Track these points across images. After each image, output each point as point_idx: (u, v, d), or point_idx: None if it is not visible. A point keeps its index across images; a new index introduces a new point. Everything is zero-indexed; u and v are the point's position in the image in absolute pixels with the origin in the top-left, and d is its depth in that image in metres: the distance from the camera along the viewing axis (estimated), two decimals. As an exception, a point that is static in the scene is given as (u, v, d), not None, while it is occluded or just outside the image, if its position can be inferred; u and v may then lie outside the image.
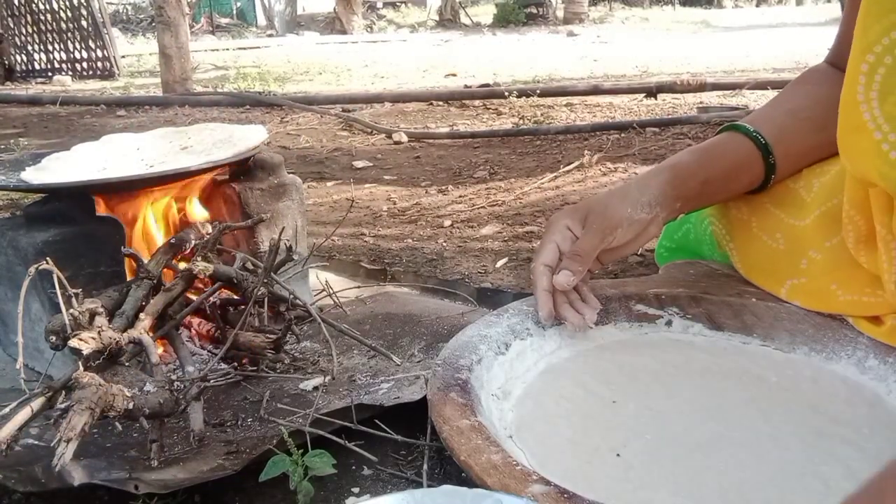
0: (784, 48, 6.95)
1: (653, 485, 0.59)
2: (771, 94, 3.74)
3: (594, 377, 0.75)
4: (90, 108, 4.96)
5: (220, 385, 0.94)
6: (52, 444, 0.62)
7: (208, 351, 1.04)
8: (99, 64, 7.60)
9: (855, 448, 0.62)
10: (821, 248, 0.80)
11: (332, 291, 1.17)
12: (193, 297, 1.02)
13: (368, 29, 14.43)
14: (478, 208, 2.07)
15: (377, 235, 1.86)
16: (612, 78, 5.36)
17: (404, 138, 3.25)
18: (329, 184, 2.53)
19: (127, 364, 0.80)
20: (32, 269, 0.75)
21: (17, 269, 0.98)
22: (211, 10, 17.16)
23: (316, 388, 0.90)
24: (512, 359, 0.76)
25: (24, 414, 0.69)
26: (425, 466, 0.75)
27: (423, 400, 0.75)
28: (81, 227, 0.99)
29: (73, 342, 0.72)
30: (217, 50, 10.50)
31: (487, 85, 4.98)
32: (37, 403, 0.70)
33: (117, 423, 0.83)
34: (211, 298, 1.02)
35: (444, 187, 2.35)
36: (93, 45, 7.57)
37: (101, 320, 0.76)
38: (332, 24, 14.50)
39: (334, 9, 14.54)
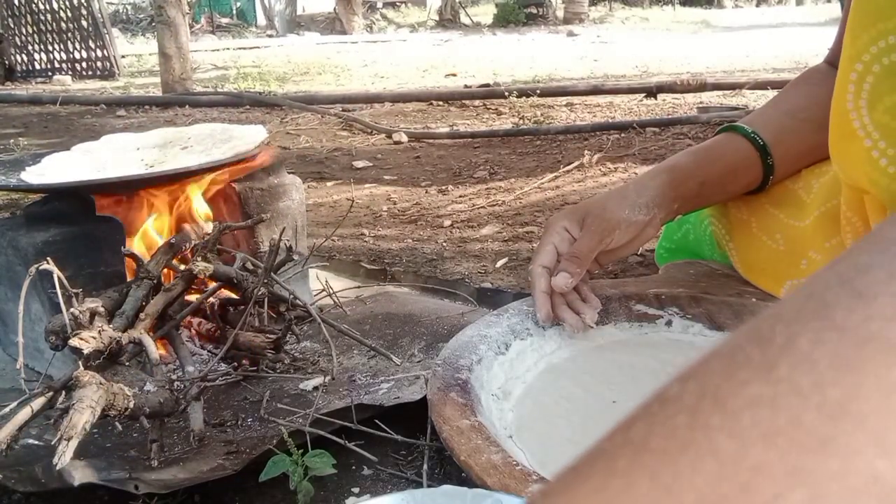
0: (784, 48, 6.96)
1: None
2: (771, 94, 3.74)
3: (594, 377, 0.75)
4: (90, 108, 4.96)
5: (221, 385, 0.94)
6: (52, 443, 0.62)
7: (208, 351, 1.04)
8: (99, 64, 7.60)
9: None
10: (821, 248, 0.80)
11: (332, 291, 1.17)
12: (193, 298, 1.02)
13: (368, 29, 14.43)
14: (478, 208, 2.07)
15: (377, 235, 1.86)
16: (612, 78, 5.37)
17: (404, 138, 3.25)
18: (329, 184, 2.53)
19: (127, 364, 0.80)
20: (33, 270, 0.75)
21: (17, 269, 0.98)
22: (211, 9, 17.16)
23: (316, 388, 0.90)
24: (512, 359, 0.76)
25: (24, 414, 0.69)
26: (425, 466, 0.75)
27: (423, 400, 0.75)
28: (81, 227, 0.99)
29: (74, 341, 0.72)
30: (217, 50, 10.51)
31: (487, 85, 4.98)
32: (37, 403, 0.70)
33: (117, 423, 0.83)
34: (211, 298, 1.02)
35: (444, 187, 2.35)
36: (93, 45, 7.57)
37: (101, 320, 0.76)
38: (333, 24, 14.50)
39: (334, 9, 14.55)
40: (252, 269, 1.04)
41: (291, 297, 0.99)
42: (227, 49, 10.65)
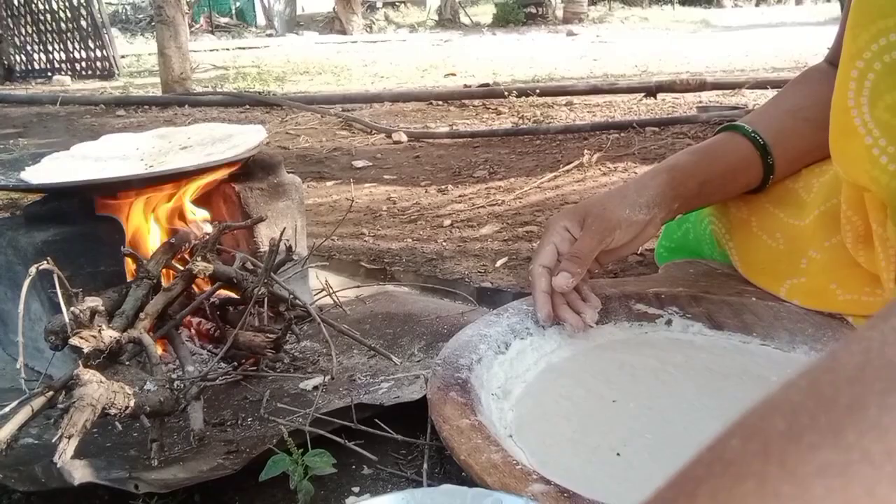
0: (783, 48, 6.96)
1: (653, 484, 0.59)
2: (770, 93, 3.74)
3: (594, 376, 0.75)
4: (89, 108, 4.96)
5: (220, 384, 0.94)
6: (53, 441, 0.62)
7: (208, 351, 1.04)
8: (98, 64, 7.59)
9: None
10: (820, 247, 0.80)
11: (331, 291, 1.17)
12: (194, 297, 1.02)
13: (368, 29, 14.42)
14: (477, 208, 2.07)
15: (377, 235, 1.86)
16: (612, 77, 5.36)
17: (404, 138, 3.25)
18: (329, 183, 2.53)
19: (127, 363, 0.80)
20: (33, 269, 0.75)
21: (16, 269, 0.98)
22: (210, 9, 17.15)
23: (316, 388, 0.90)
24: (512, 358, 0.76)
25: (24, 413, 0.69)
26: (425, 466, 0.75)
27: (423, 399, 0.75)
28: (81, 226, 0.99)
29: (74, 340, 0.72)
30: (216, 50, 10.50)
31: (487, 84, 4.98)
32: (37, 403, 0.70)
33: (117, 423, 0.83)
34: (210, 298, 1.02)
35: (443, 187, 2.35)
36: (92, 45, 7.57)
37: (101, 319, 0.76)
38: (332, 24, 14.49)
39: (334, 8, 14.53)
40: (252, 268, 1.04)
41: (291, 296, 0.99)
42: (227, 49, 10.64)
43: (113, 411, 0.68)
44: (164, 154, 1.15)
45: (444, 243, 1.74)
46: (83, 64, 7.67)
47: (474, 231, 1.84)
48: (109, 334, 0.75)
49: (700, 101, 3.79)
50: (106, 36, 7.51)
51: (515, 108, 3.98)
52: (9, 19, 7.87)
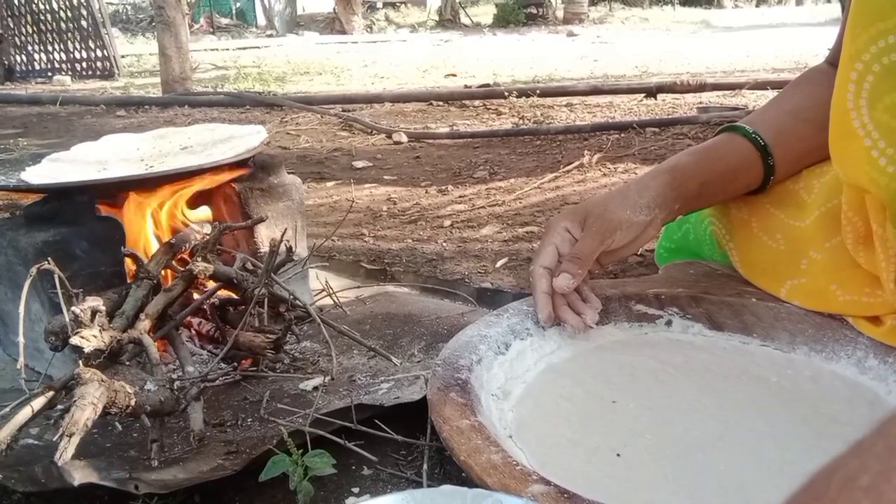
0: (784, 48, 6.96)
1: (653, 485, 0.59)
2: (771, 94, 3.74)
3: (594, 377, 0.75)
4: (90, 108, 4.96)
5: (220, 385, 0.94)
6: (54, 440, 0.62)
7: (208, 351, 1.04)
8: (99, 64, 7.60)
9: (855, 448, 0.62)
10: (821, 248, 0.80)
11: (331, 291, 1.17)
12: (193, 298, 1.02)
13: (368, 29, 14.43)
14: (478, 208, 2.07)
15: (377, 235, 1.86)
16: (612, 78, 5.37)
17: (404, 138, 3.25)
18: (329, 184, 2.53)
19: (127, 363, 0.80)
20: (33, 270, 0.75)
21: (17, 269, 0.98)
22: (211, 10, 17.16)
23: (316, 388, 0.90)
24: (512, 359, 0.76)
25: (24, 414, 0.68)
26: (425, 466, 0.75)
27: (423, 400, 0.75)
28: (81, 227, 0.99)
29: (75, 339, 0.72)
30: (217, 50, 10.50)
31: (487, 85, 4.98)
32: (37, 403, 0.70)
33: (117, 424, 0.83)
34: (211, 299, 1.02)
35: (443, 187, 2.35)
36: (93, 45, 7.57)
37: (101, 319, 0.76)
38: (332, 25, 14.49)
39: (334, 9, 14.54)
40: (252, 269, 1.04)
41: (291, 297, 0.99)
42: (227, 49, 10.64)
43: (114, 410, 0.68)
44: (164, 154, 1.15)
45: (445, 244, 1.74)
46: (83, 64, 7.67)
47: (474, 232, 1.84)
48: (110, 334, 0.75)
49: (700, 102, 3.79)
50: (106, 36, 7.51)
51: (516, 109, 3.98)
52: (9, 19, 7.87)
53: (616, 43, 9.10)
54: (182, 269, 0.97)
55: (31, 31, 7.83)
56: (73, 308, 0.74)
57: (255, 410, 0.86)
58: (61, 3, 7.63)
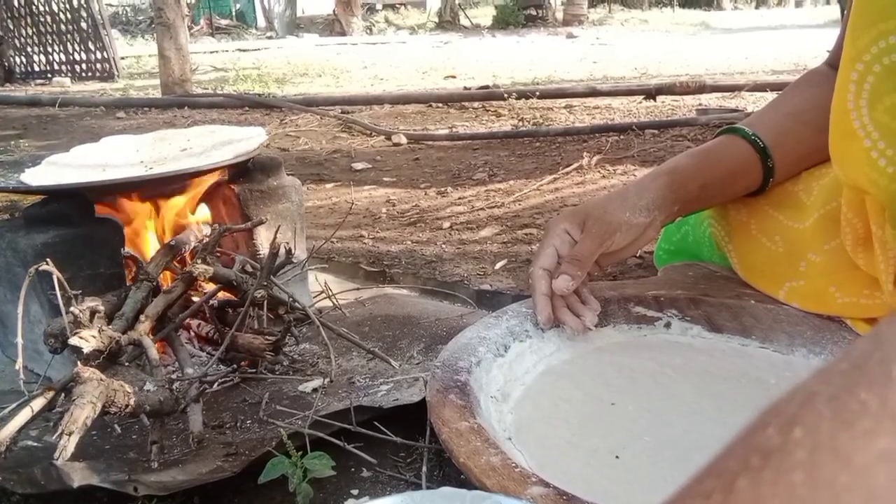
0: (783, 50, 6.97)
1: (652, 487, 0.59)
2: (770, 96, 3.74)
3: (593, 379, 0.75)
4: (89, 110, 4.96)
5: (219, 389, 0.94)
6: (53, 439, 0.62)
7: (207, 353, 1.04)
8: (98, 65, 7.60)
9: (853, 450, 0.62)
10: (820, 250, 0.80)
11: (331, 293, 1.17)
12: (193, 300, 1.02)
13: (368, 31, 14.44)
14: (477, 210, 2.07)
15: (376, 237, 1.86)
16: (612, 80, 5.37)
17: (403, 140, 3.25)
18: (328, 185, 2.53)
19: (126, 364, 0.80)
20: (32, 271, 0.75)
21: (16, 271, 0.98)
22: (210, 11, 17.17)
23: (315, 390, 0.90)
24: (511, 361, 0.76)
25: (23, 415, 0.69)
26: (424, 468, 0.75)
27: (423, 402, 0.75)
28: (80, 228, 0.99)
29: (74, 340, 0.72)
30: (216, 52, 10.51)
31: (487, 87, 4.98)
32: (36, 405, 0.70)
33: (116, 426, 0.83)
34: (210, 301, 1.02)
35: (443, 189, 2.35)
36: (92, 47, 7.57)
37: (100, 320, 0.76)
38: (332, 26, 14.51)
39: (334, 11, 14.55)
40: (251, 271, 1.04)
41: (290, 299, 0.99)
42: (227, 51, 10.65)
43: (113, 410, 0.68)
44: (163, 156, 1.15)
45: (444, 246, 1.74)
46: (83, 66, 7.68)
47: (473, 233, 1.84)
48: (109, 334, 0.75)
49: (700, 104, 3.80)
50: (106, 38, 7.51)
51: (515, 111, 3.99)
52: (9, 21, 7.87)
53: (615, 44, 9.11)
54: (182, 270, 0.97)
55: (30, 32, 7.84)
56: (71, 309, 0.74)
57: (255, 412, 0.86)
58: (61, 4, 7.63)
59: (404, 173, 2.66)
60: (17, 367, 0.77)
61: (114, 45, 7.79)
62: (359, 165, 2.82)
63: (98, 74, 7.57)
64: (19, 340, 0.76)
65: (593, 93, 4.31)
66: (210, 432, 0.81)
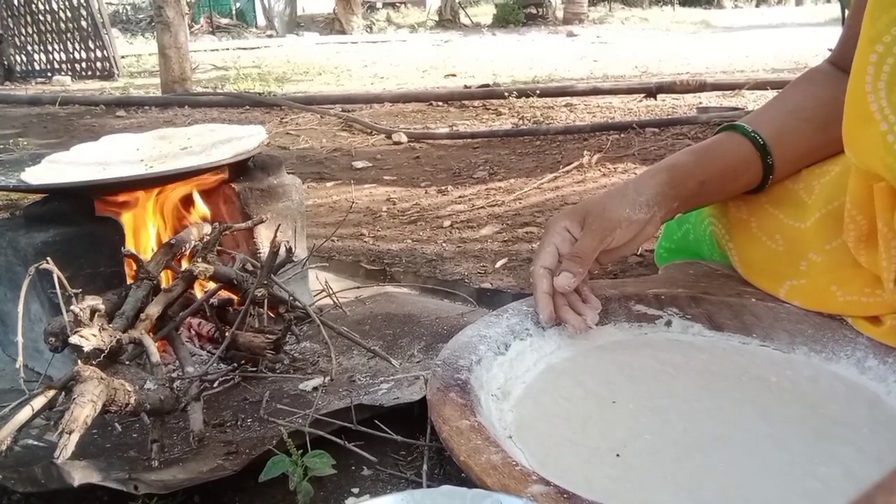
0: (784, 49, 6.96)
1: (653, 485, 0.59)
2: (770, 94, 3.74)
3: (594, 377, 0.75)
4: (90, 109, 4.96)
5: (220, 387, 0.94)
6: (54, 437, 0.62)
7: (208, 352, 1.04)
8: (98, 64, 7.60)
9: (854, 448, 0.62)
10: (821, 250, 0.80)
11: (331, 292, 1.17)
12: (193, 298, 1.02)
13: (368, 29, 14.43)
14: (477, 209, 2.07)
15: (377, 236, 1.86)
16: (612, 78, 5.37)
17: (404, 139, 3.25)
18: (329, 184, 2.53)
19: (127, 363, 0.80)
20: (32, 269, 0.75)
21: (16, 270, 0.98)
22: (210, 10, 17.16)
23: (315, 389, 0.90)
24: (511, 359, 0.76)
25: (24, 414, 0.68)
26: (425, 467, 0.75)
27: (423, 400, 0.75)
28: (81, 227, 0.99)
29: (74, 338, 0.72)
30: (217, 50, 10.51)
31: (487, 85, 4.98)
32: (37, 403, 0.70)
33: (117, 424, 0.83)
34: (210, 299, 1.02)
35: (443, 188, 2.35)
36: (92, 46, 7.57)
37: (101, 319, 0.76)
38: (332, 25, 14.50)
39: (334, 9, 14.55)
40: (252, 270, 1.04)
41: (291, 297, 0.99)
42: (227, 49, 10.65)
43: (113, 408, 0.68)
44: (164, 155, 1.15)
45: (444, 244, 1.74)
46: (83, 64, 7.68)
47: (474, 232, 1.84)
48: (109, 333, 0.75)
49: (700, 102, 3.80)
50: (106, 36, 7.51)
51: (515, 109, 3.98)
52: (9, 19, 7.87)
53: (616, 43, 9.10)
54: (182, 269, 0.97)
55: (30, 31, 7.84)
56: (72, 307, 0.74)
57: (255, 411, 0.86)
58: (61, 3, 7.63)
59: (405, 172, 2.66)
60: (17, 366, 0.77)
61: (114, 43, 7.79)
62: (359, 164, 2.82)
63: (98, 73, 7.57)
64: (20, 339, 0.76)
65: (594, 91, 4.31)
66: (210, 431, 0.81)
